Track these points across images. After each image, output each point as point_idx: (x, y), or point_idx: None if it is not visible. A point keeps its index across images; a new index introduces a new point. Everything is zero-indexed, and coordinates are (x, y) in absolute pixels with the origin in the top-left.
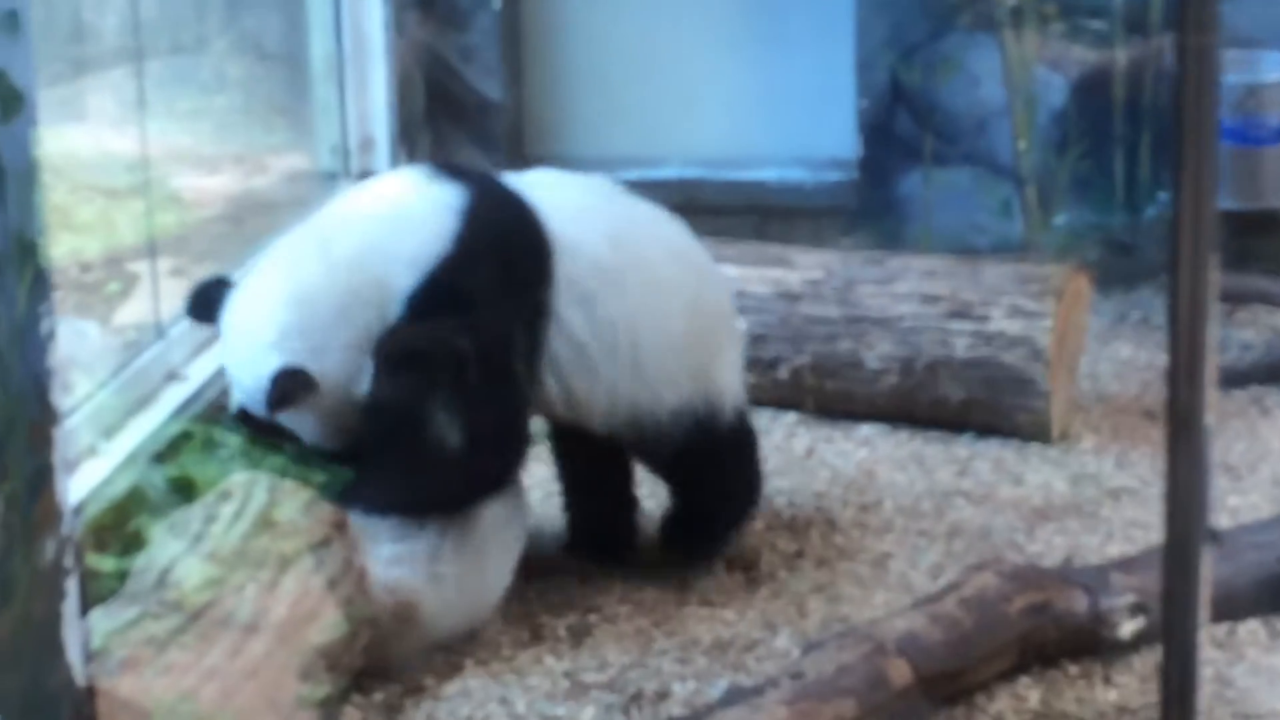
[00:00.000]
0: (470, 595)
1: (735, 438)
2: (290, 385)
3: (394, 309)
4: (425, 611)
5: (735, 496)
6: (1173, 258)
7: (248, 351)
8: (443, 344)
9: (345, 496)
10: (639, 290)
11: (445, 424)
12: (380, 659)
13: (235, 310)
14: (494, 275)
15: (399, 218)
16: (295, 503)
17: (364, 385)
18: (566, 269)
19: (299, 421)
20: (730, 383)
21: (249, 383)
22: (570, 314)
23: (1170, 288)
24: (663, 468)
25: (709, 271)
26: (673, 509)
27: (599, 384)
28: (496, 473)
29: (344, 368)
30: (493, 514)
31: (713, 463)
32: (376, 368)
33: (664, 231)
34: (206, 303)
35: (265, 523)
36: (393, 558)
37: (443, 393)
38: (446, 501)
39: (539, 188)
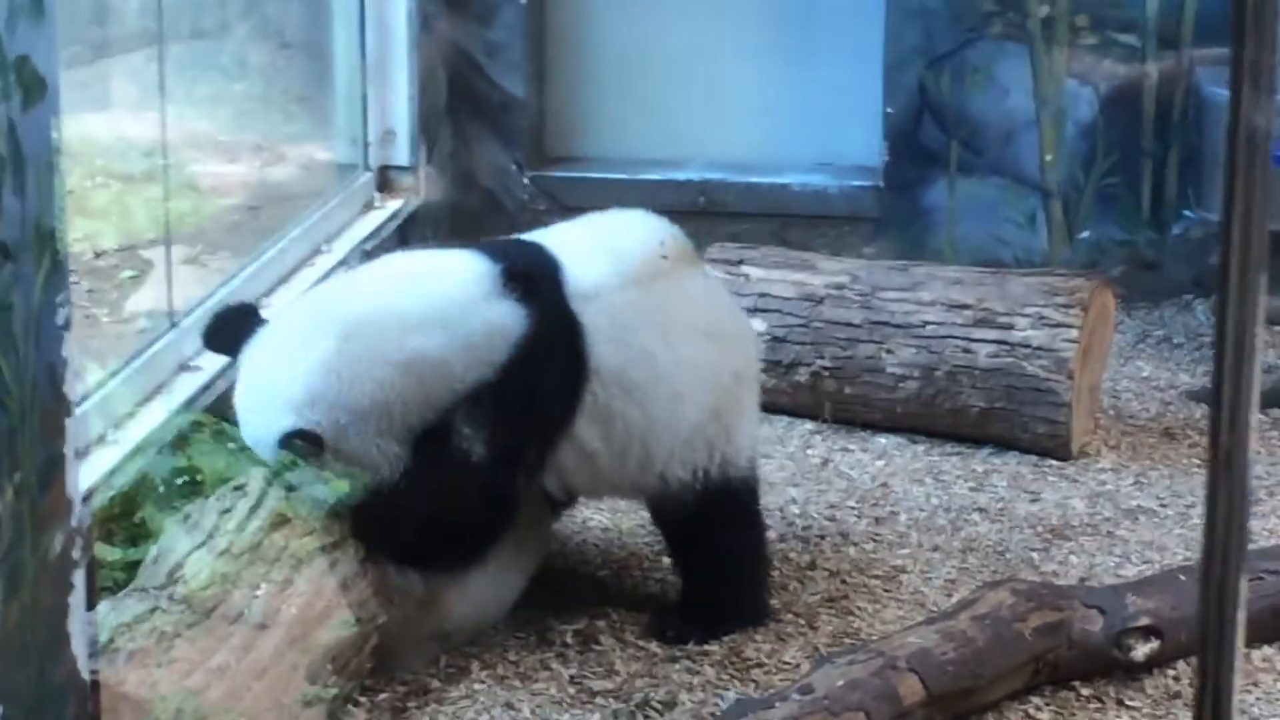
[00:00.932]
0: (487, 594)
1: (743, 499)
2: (299, 447)
3: (429, 413)
4: (444, 600)
5: (745, 560)
6: (1221, 279)
7: (265, 401)
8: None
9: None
10: (662, 397)
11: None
12: (391, 645)
13: (260, 354)
14: (527, 403)
15: (457, 331)
16: (311, 501)
17: (377, 465)
18: (595, 391)
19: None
20: (744, 446)
21: (259, 430)
22: (587, 432)
23: (1217, 310)
24: (676, 535)
25: (740, 343)
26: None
27: (603, 482)
28: (470, 548)
29: (357, 448)
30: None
31: (722, 524)
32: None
33: (702, 309)
34: (227, 332)
35: (280, 520)
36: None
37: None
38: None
39: (590, 266)
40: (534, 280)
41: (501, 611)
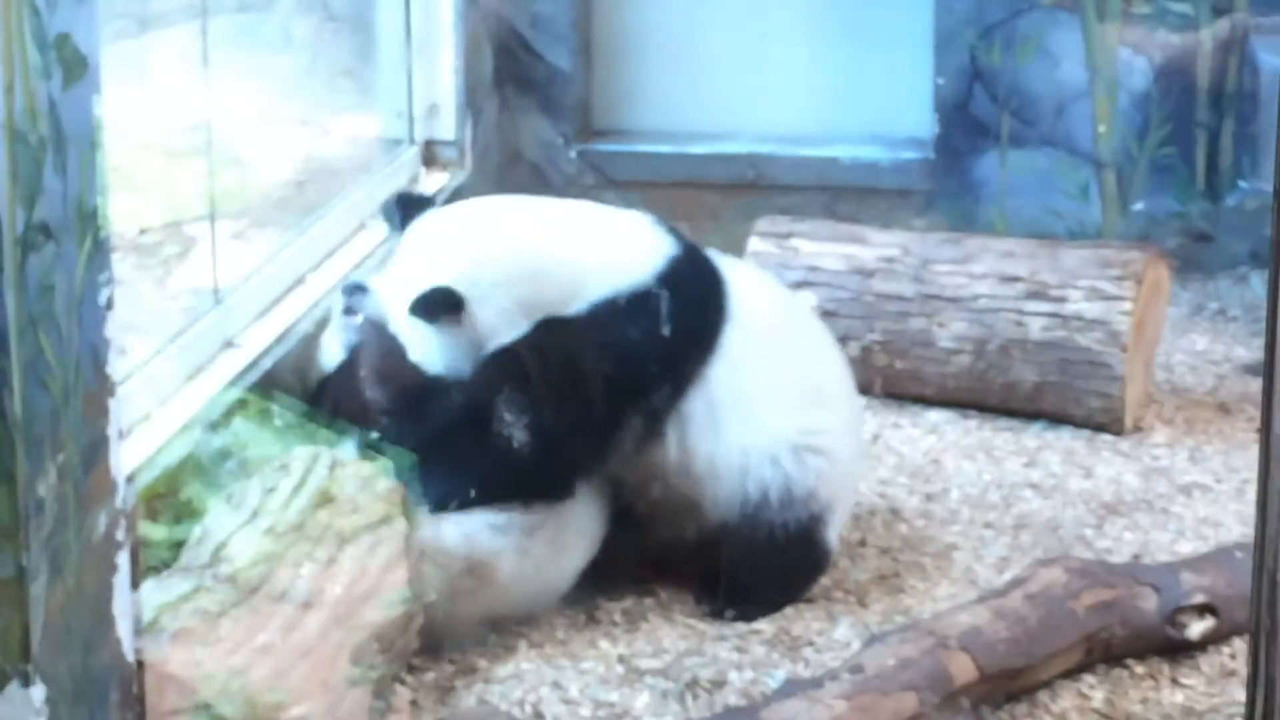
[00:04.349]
0: (546, 576)
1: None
2: (441, 302)
3: (576, 303)
4: (504, 578)
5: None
6: (1274, 250)
7: (418, 265)
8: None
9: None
10: (776, 360)
11: (526, 428)
12: (446, 620)
13: (424, 228)
14: (665, 328)
15: (614, 238)
16: (356, 479)
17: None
18: (729, 340)
19: (421, 341)
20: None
21: (403, 292)
22: (718, 377)
23: (1270, 281)
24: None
25: (833, 357)
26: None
27: (719, 448)
28: (548, 489)
29: (492, 325)
30: (579, 503)
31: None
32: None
33: (799, 318)
34: (400, 211)
35: (324, 498)
36: (490, 519)
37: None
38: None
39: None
40: (682, 234)
41: (556, 597)
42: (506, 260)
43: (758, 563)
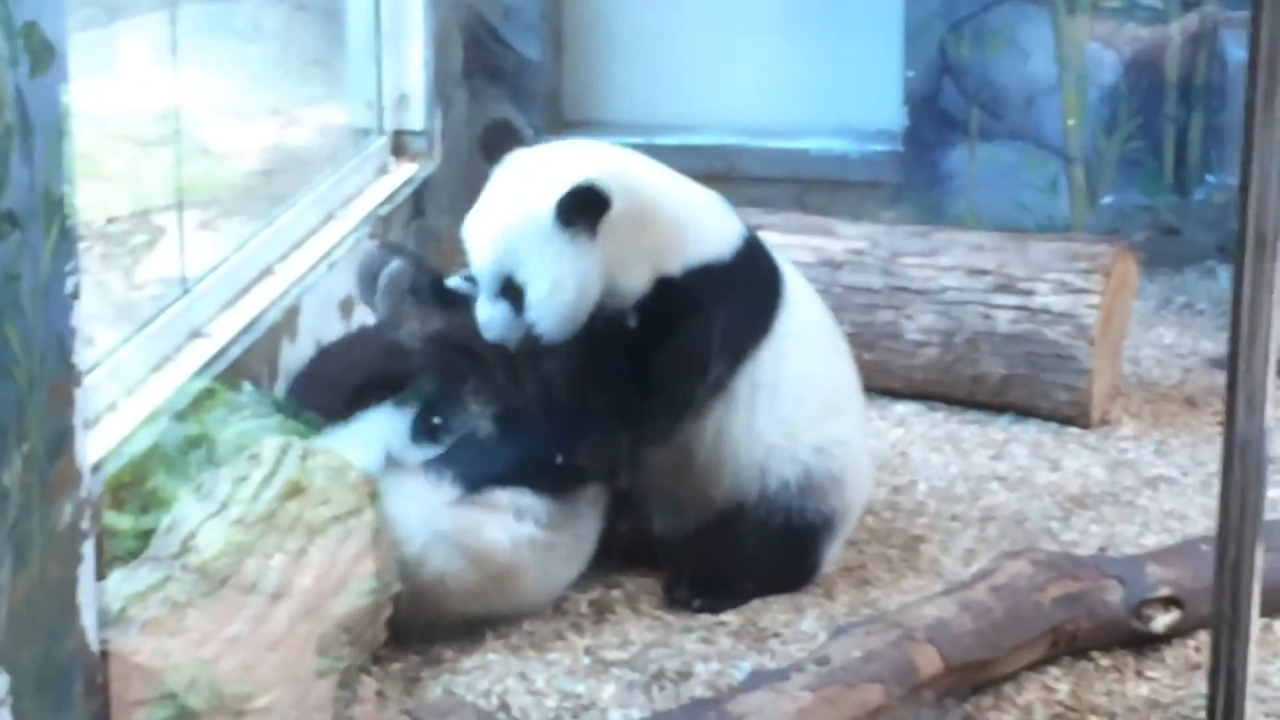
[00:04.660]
0: (560, 572)
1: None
2: (587, 200)
3: (683, 260)
4: (527, 575)
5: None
6: (1239, 244)
7: (549, 176)
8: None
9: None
10: (813, 357)
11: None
12: (462, 616)
13: (550, 148)
14: (739, 301)
15: (706, 206)
16: (326, 470)
17: (627, 296)
18: (782, 325)
19: (542, 262)
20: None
21: (538, 200)
22: (766, 359)
23: (1234, 275)
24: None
25: (849, 359)
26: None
27: (750, 432)
28: (608, 461)
29: (621, 248)
30: (590, 498)
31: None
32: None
33: (824, 311)
34: (492, 144)
35: (295, 489)
36: (522, 511)
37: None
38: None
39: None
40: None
41: (550, 599)
42: (640, 194)
43: (754, 554)
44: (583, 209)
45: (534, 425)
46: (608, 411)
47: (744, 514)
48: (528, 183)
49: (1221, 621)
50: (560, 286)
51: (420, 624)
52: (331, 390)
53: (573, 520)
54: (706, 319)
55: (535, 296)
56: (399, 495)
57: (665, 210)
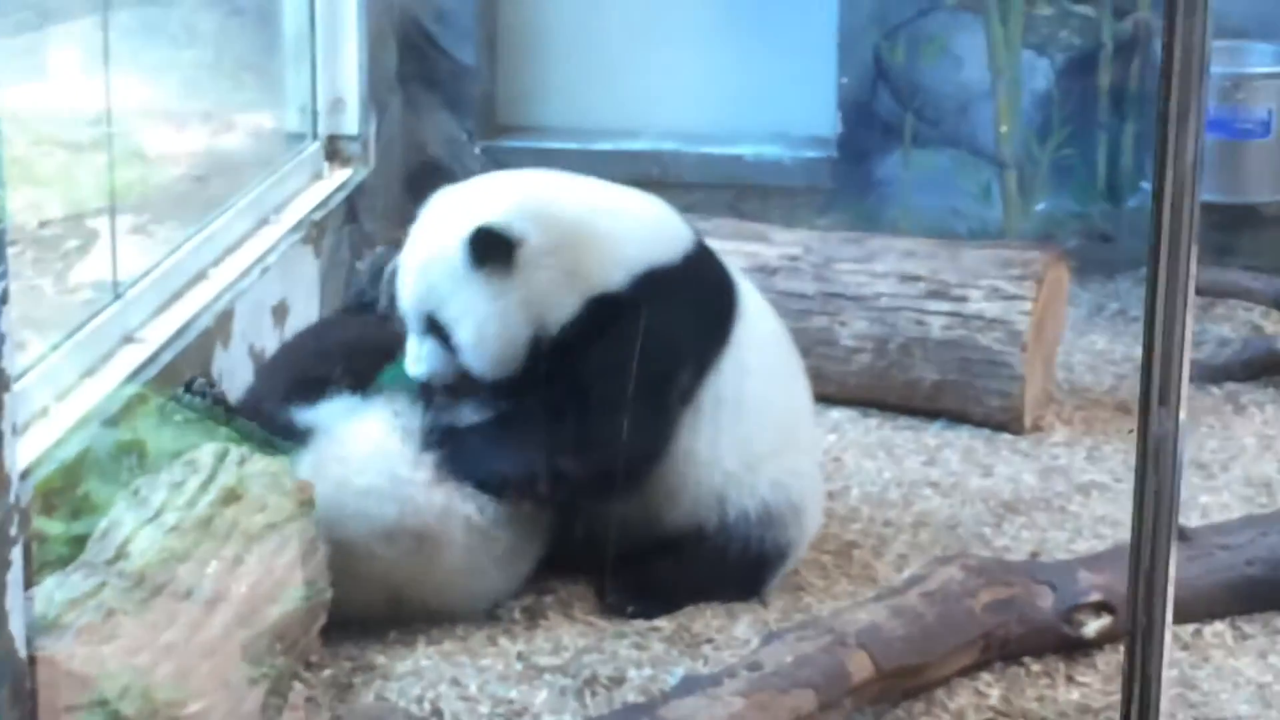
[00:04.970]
0: (491, 574)
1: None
2: (493, 242)
3: (619, 275)
4: (454, 553)
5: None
6: (1152, 251)
7: (459, 212)
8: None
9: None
10: (771, 370)
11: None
12: (385, 585)
13: (469, 183)
14: (699, 304)
15: (647, 218)
16: (263, 477)
17: (555, 319)
18: (741, 335)
19: (461, 303)
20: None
21: (450, 241)
22: (728, 374)
23: (1148, 282)
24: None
25: (805, 382)
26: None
27: (717, 453)
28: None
29: (544, 280)
30: (535, 518)
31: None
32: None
33: (779, 323)
34: (419, 182)
35: (231, 496)
36: (469, 494)
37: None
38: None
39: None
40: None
41: (477, 600)
42: (558, 221)
43: (705, 578)
44: (490, 251)
45: (499, 438)
46: (545, 439)
47: (701, 539)
48: (444, 224)
49: (1136, 626)
50: (483, 327)
51: (345, 591)
52: (301, 377)
53: (514, 528)
54: (656, 331)
55: (461, 338)
56: (354, 434)
57: (595, 230)
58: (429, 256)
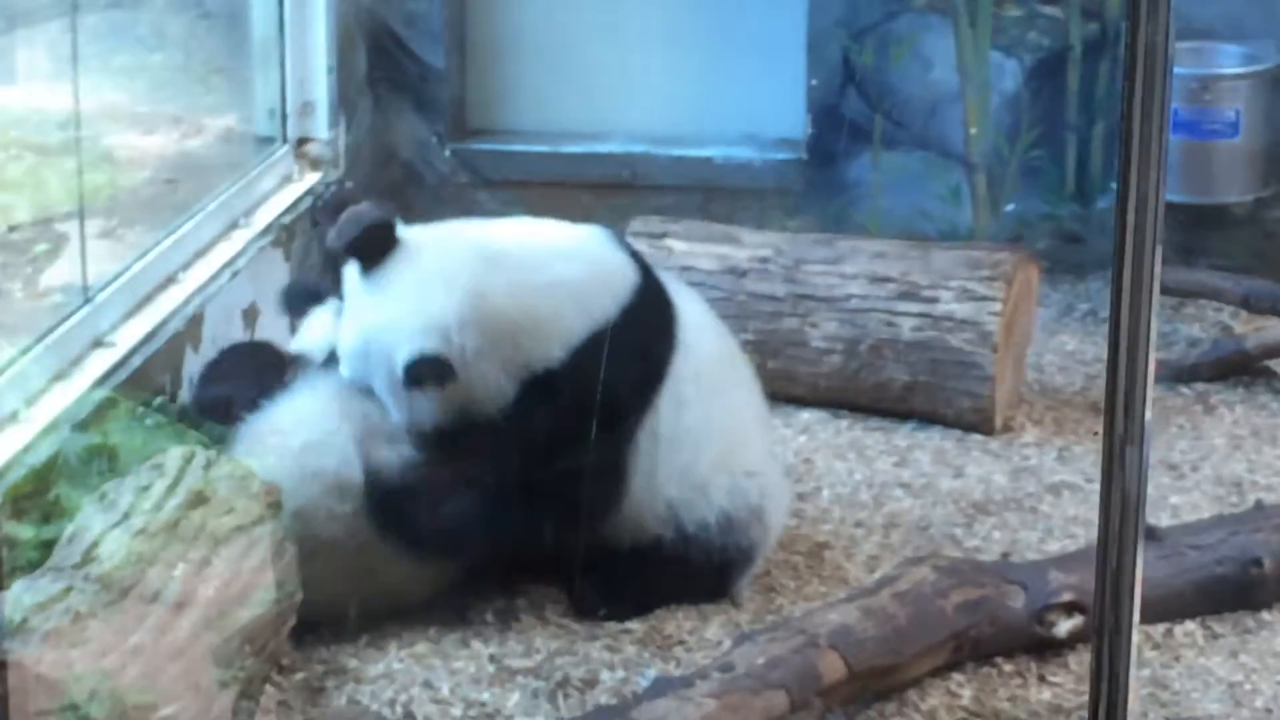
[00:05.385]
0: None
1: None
2: (429, 372)
3: (558, 350)
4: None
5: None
6: (1117, 251)
7: (398, 323)
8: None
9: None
10: (716, 396)
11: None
12: (334, 549)
13: (405, 274)
14: (636, 351)
15: (591, 267)
16: (230, 479)
17: (493, 403)
18: (677, 369)
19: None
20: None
21: (385, 351)
22: (665, 410)
23: (1113, 282)
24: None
25: (753, 383)
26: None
27: (655, 482)
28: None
29: (483, 380)
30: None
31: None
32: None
33: (729, 347)
34: (366, 245)
35: (199, 499)
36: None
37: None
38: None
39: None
40: (634, 250)
41: (433, 584)
42: (493, 320)
43: (670, 583)
44: (425, 375)
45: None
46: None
47: (661, 548)
48: (381, 316)
49: (1103, 626)
50: (415, 417)
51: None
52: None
53: None
54: (590, 392)
55: (393, 416)
56: (283, 407)
57: (533, 316)
58: (365, 342)
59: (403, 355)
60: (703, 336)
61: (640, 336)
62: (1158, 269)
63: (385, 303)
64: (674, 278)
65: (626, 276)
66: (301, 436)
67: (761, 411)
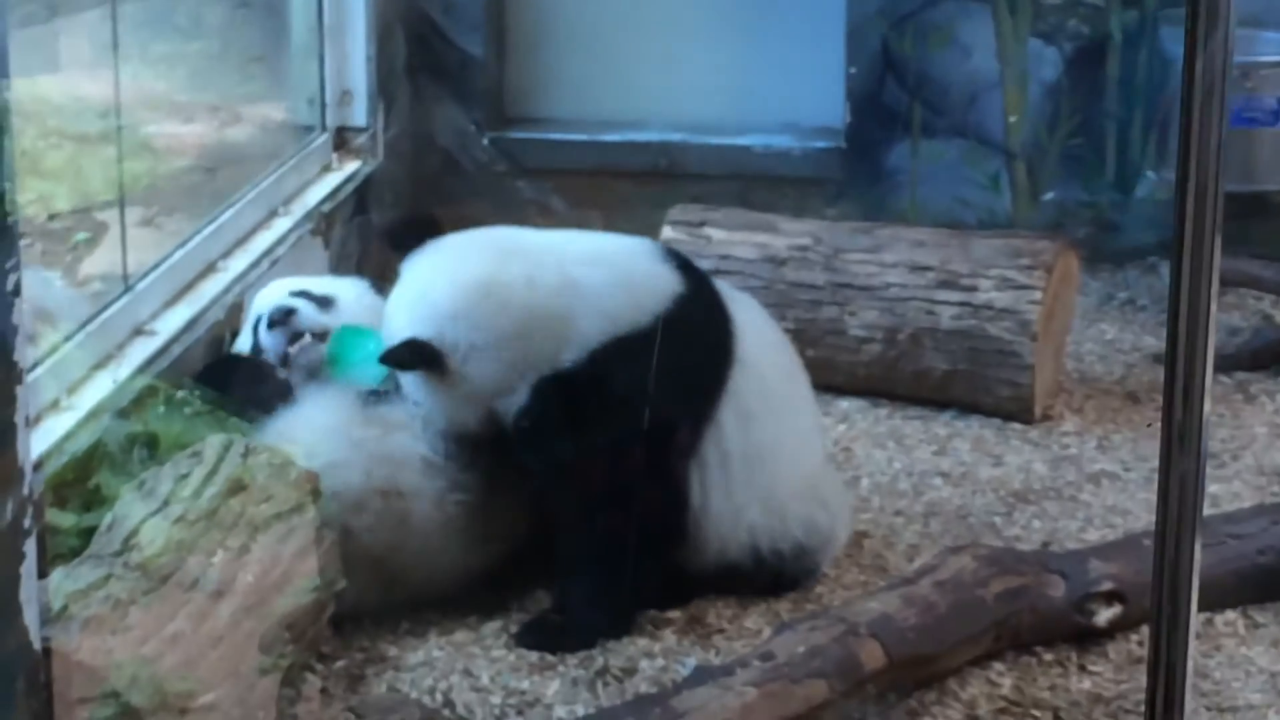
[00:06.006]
0: (455, 550)
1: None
2: (410, 356)
3: (571, 353)
4: (433, 509)
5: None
6: (1176, 240)
7: (410, 308)
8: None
9: None
10: (785, 415)
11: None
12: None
13: (421, 264)
14: (676, 364)
15: (616, 273)
16: (268, 466)
17: (502, 400)
18: (738, 382)
19: (415, 389)
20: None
21: (394, 335)
22: (730, 426)
23: (1172, 271)
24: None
25: (813, 399)
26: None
27: (731, 502)
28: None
29: (485, 374)
30: (503, 499)
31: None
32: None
33: (782, 350)
34: (407, 235)
35: (237, 486)
36: (440, 469)
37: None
38: None
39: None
40: (691, 264)
41: (456, 584)
42: (498, 315)
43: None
44: (416, 360)
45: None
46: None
47: (735, 574)
48: (396, 306)
49: (1161, 616)
50: (429, 414)
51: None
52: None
53: (489, 513)
54: (615, 402)
55: (413, 411)
56: (301, 418)
57: (545, 314)
58: (384, 328)
59: (395, 339)
60: (767, 353)
61: (683, 347)
62: (1217, 258)
63: (398, 290)
64: (740, 294)
65: (664, 287)
66: (323, 458)
67: (820, 423)
